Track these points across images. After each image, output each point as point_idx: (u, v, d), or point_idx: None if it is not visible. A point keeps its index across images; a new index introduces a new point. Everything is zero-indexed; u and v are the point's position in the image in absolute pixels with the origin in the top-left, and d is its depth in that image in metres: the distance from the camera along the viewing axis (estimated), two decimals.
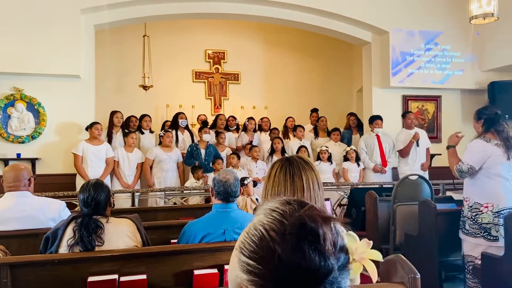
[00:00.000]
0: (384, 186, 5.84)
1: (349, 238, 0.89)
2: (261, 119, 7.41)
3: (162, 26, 8.21)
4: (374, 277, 0.94)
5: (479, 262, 3.36)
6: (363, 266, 0.93)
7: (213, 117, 7.79)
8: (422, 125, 7.21)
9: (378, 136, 6.41)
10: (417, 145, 6.10)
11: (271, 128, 7.17)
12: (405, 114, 6.39)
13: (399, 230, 4.28)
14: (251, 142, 6.71)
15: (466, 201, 3.51)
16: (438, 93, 7.24)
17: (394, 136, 6.39)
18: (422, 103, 7.26)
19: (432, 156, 6.70)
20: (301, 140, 6.74)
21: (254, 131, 7.03)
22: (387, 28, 6.82)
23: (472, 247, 3.43)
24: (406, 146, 6.10)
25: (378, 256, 0.97)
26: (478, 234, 3.37)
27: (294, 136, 6.96)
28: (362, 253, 0.90)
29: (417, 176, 4.65)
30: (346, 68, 9.36)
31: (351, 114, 7.72)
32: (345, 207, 5.73)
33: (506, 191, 3.36)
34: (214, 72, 8.99)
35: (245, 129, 7.01)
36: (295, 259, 0.72)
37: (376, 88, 7.07)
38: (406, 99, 7.16)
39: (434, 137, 7.16)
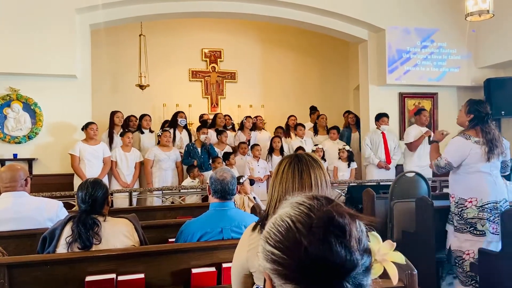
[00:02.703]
0: (381, 183, 5.85)
1: (372, 239, 0.89)
2: (256, 117, 7.40)
3: (158, 25, 8.19)
4: (395, 279, 0.92)
5: (467, 257, 3.38)
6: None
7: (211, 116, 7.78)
8: None
9: (383, 134, 6.45)
10: (429, 143, 6.11)
11: (264, 126, 7.16)
12: (420, 111, 6.43)
13: (396, 227, 4.28)
14: (249, 140, 6.70)
15: (452, 197, 3.53)
16: (435, 90, 7.26)
17: (396, 133, 6.44)
18: (419, 100, 7.27)
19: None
20: (302, 139, 6.72)
21: (251, 129, 7.03)
22: (383, 25, 6.83)
23: (460, 242, 3.45)
24: (416, 140, 6.15)
25: (400, 258, 0.96)
26: (465, 229, 3.40)
27: (296, 135, 6.97)
28: (385, 254, 0.89)
29: (414, 173, 4.67)
30: (342, 66, 9.38)
31: (348, 112, 7.74)
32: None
33: (489, 185, 3.37)
34: (211, 71, 8.98)
35: (241, 127, 6.99)
36: (322, 251, 0.74)
37: (373, 85, 7.07)
38: (402, 97, 7.17)
39: None
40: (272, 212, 1.47)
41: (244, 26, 8.74)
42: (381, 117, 6.48)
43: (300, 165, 1.56)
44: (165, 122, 7.13)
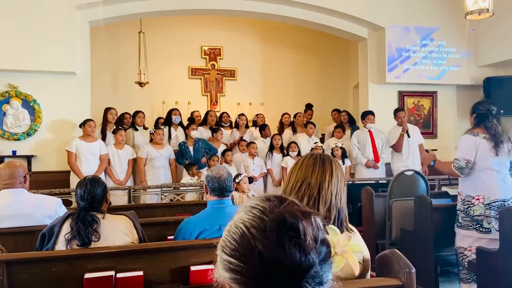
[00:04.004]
0: (380, 181, 5.85)
1: (331, 232, 0.89)
2: (257, 115, 7.39)
3: (157, 22, 8.17)
4: (356, 269, 0.94)
5: (469, 253, 3.41)
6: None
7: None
8: (418, 121, 7.23)
9: (370, 132, 6.39)
10: (408, 136, 6.09)
11: (265, 123, 7.16)
12: (395, 112, 6.29)
13: (395, 225, 4.29)
14: (241, 138, 6.67)
15: (460, 195, 3.57)
16: (434, 89, 7.26)
17: (387, 131, 6.41)
18: (418, 99, 7.28)
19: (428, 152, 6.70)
20: (310, 137, 6.67)
21: (246, 127, 7.00)
22: (383, 24, 6.83)
23: (463, 238, 3.49)
24: (398, 140, 6.12)
25: (359, 248, 0.98)
26: (470, 226, 3.43)
27: (304, 133, 6.87)
28: (344, 246, 0.90)
29: (412, 172, 4.67)
30: (342, 64, 9.37)
31: (337, 110, 7.60)
32: None
33: (498, 183, 3.41)
34: (210, 68, 8.97)
35: (237, 125, 6.99)
36: (276, 255, 0.72)
37: (372, 84, 7.08)
38: (402, 95, 7.17)
39: (430, 133, 7.19)
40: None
41: (244, 23, 8.73)
42: (366, 115, 6.40)
43: (322, 156, 1.66)
44: (159, 119, 7.07)
